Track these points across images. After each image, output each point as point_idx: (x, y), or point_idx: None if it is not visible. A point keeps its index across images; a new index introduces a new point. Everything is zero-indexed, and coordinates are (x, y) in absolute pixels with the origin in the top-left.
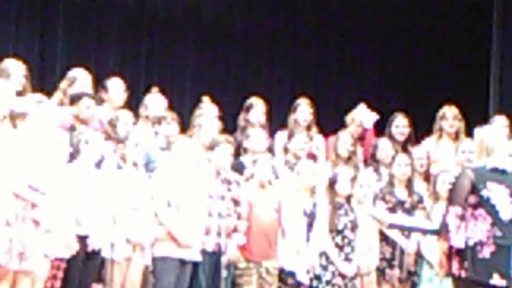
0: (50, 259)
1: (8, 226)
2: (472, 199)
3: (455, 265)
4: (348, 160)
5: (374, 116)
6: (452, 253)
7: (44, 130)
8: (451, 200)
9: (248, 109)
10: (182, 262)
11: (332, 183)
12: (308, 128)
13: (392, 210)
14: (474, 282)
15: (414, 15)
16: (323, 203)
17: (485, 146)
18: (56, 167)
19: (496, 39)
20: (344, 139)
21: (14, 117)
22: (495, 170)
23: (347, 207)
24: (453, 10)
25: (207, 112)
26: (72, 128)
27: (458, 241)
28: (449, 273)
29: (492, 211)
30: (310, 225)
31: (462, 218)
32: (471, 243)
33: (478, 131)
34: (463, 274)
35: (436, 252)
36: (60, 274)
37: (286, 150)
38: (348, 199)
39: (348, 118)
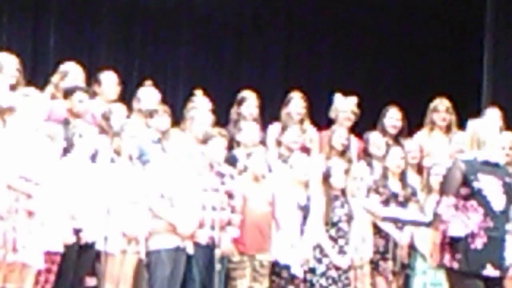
0: (44, 252)
1: (1, 220)
2: (464, 190)
3: (447, 256)
4: (342, 153)
5: (353, 100)
6: (444, 244)
7: (33, 123)
8: (443, 191)
9: (240, 102)
10: (177, 253)
11: (326, 176)
12: (301, 121)
13: (386, 202)
14: (466, 273)
15: (407, 8)
16: (317, 196)
17: (476, 139)
18: (49, 160)
19: (489, 31)
20: (339, 133)
21: (1, 112)
22: (486, 163)
23: (342, 200)
24: (446, 2)
25: (200, 105)
26: (66, 122)
27: (456, 231)
28: (441, 265)
29: (483, 202)
30: (304, 219)
31: (456, 207)
32: (463, 234)
33: (470, 123)
34: (455, 265)
35: (428, 244)
36: (55, 268)
37: (279, 143)
38: (343, 191)
39: (332, 113)
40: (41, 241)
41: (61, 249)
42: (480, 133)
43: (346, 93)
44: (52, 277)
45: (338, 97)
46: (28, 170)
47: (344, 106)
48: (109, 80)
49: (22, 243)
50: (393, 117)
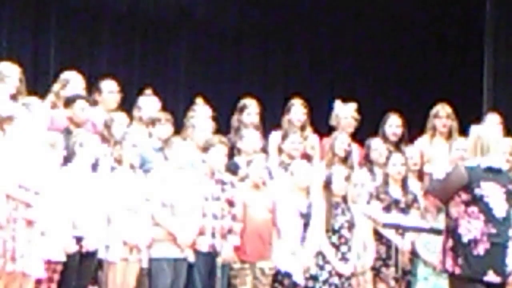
0: (46, 261)
1: (0, 229)
2: (465, 196)
3: (449, 261)
4: (345, 160)
5: (353, 106)
6: (446, 249)
7: (33, 132)
8: (432, 189)
9: (241, 109)
10: (178, 261)
11: (327, 183)
12: (302, 128)
13: (387, 209)
14: (468, 279)
15: (407, 15)
16: (318, 203)
17: (480, 144)
18: (49, 169)
19: (489, 37)
20: (341, 139)
21: (1, 121)
22: (489, 169)
23: (344, 207)
24: (447, 8)
25: (200, 113)
26: (67, 131)
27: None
28: (443, 270)
29: (485, 209)
30: (305, 226)
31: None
32: (465, 240)
33: (474, 129)
34: (457, 271)
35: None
36: (56, 277)
37: (280, 150)
38: (345, 198)
39: (332, 121)
40: (41, 250)
41: (62, 258)
42: (484, 139)
43: (346, 100)
44: (54, 286)
45: (337, 104)
46: (28, 179)
47: (344, 113)
48: (110, 88)
49: (21, 252)
50: (393, 124)
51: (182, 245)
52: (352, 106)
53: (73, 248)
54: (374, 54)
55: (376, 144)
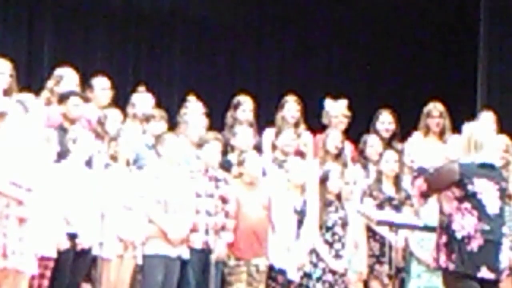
0: (37, 257)
1: None
2: (458, 192)
3: (442, 257)
4: (337, 157)
5: (343, 103)
6: (439, 245)
7: (27, 129)
8: (425, 175)
9: (235, 106)
10: (171, 259)
11: (323, 180)
12: (296, 125)
13: (380, 206)
14: (462, 275)
15: (401, 11)
16: (312, 201)
17: (473, 142)
18: (43, 166)
19: (483, 35)
20: (333, 136)
21: None
22: (483, 165)
23: (337, 204)
24: (441, 6)
25: (193, 109)
26: (61, 127)
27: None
28: (436, 267)
29: (478, 205)
30: (300, 223)
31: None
32: (459, 236)
33: (466, 126)
34: (451, 266)
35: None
36: (48, 273)
37: (274, 147)
38: (338, 196)
39: (324, 119)
40: (33, 246)
41: (54, 254)
42: (477, 135)
43: (340, 97)
44: (45, 282)
45: (328, 102)
46: (20, 176)
47: (335, 111)
48: (102, 85)
49: (13, 249)
50: (385, 121)
51: (173, 243)
52: (343, 104)
53: (66, 245)
54: (368, 52)
55: (372, 141)
